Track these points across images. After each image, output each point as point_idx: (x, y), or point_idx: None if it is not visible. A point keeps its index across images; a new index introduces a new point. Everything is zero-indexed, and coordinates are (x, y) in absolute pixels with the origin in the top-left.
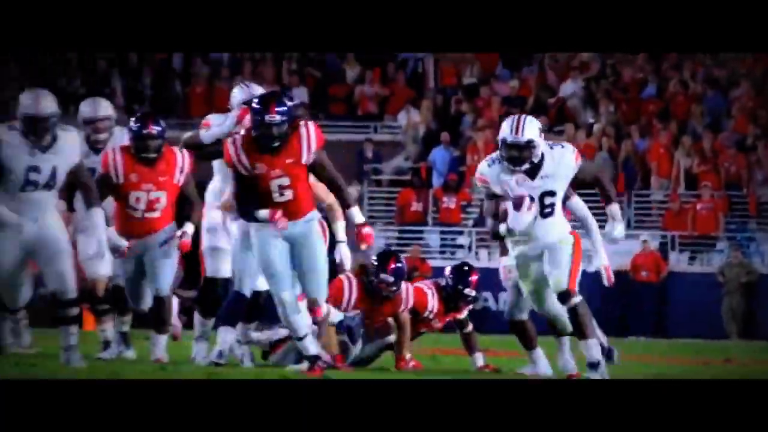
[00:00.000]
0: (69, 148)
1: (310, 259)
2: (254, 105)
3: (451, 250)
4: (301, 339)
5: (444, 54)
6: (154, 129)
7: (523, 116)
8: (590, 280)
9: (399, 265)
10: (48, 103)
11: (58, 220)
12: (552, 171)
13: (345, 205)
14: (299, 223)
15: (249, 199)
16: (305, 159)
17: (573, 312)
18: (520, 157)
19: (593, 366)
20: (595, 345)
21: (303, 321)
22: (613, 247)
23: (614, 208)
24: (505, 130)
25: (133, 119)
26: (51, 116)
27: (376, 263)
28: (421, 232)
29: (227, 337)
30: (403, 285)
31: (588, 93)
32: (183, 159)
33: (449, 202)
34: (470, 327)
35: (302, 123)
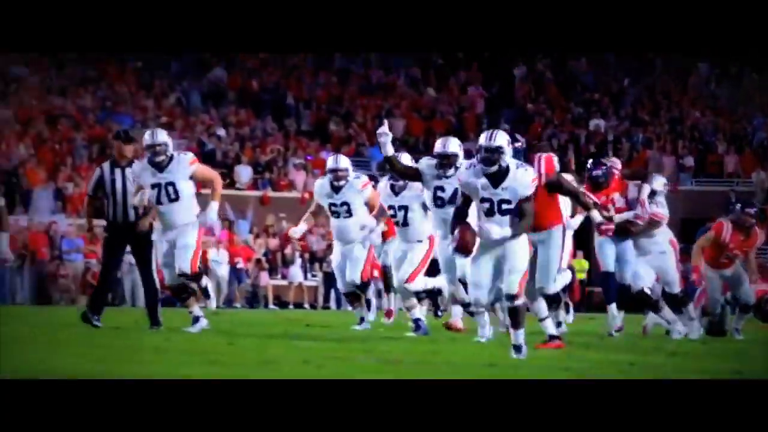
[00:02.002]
0: None
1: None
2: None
3: None
4: (542, 320)
5: None
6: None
7: (496, 130)
8: None
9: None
10: (452, 146)
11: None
12: (510, 185)
13: (585, 207)
14: (543, 233)
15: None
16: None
17: (512, 310)
18: (491, 159)
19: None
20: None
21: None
22: None
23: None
24: (482, 138)
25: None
26: (453, 155)
27: (738, 207)
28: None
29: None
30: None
31: None
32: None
33: None
34: None
35: (538, 154)
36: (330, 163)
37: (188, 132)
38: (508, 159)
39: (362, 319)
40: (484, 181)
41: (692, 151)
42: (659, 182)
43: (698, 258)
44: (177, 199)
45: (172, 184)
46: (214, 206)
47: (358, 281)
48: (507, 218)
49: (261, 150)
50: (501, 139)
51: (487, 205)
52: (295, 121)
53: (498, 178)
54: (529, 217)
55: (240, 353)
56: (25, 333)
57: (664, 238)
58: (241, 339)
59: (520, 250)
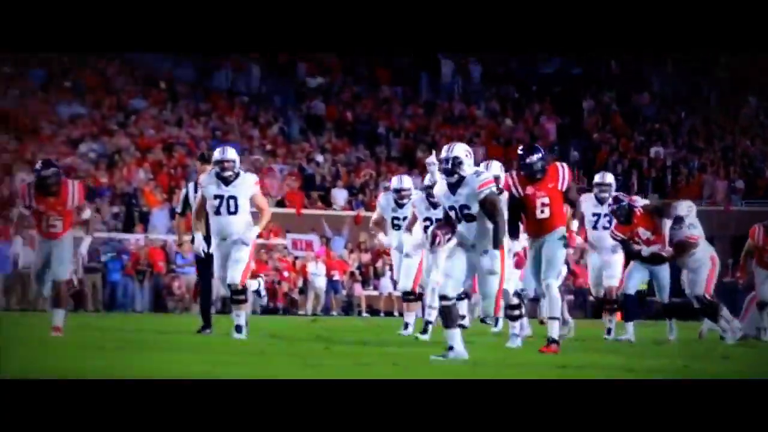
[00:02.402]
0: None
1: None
2: (520, 152)
3: None
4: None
5: None
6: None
7: (456, 142)
8: None
9: None
10: (495, 168)
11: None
12: (463, 191)
13: (571, 204)
14: (547, 236)
15: (516, 218)
16: (560, 186)
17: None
18: (449, 169)
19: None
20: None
21: None
22: None
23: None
24: (443, 151)
25: None
26: (496, 177)
27: None
28: None
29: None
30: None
31: None
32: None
33: None
34: None
35: (559, 163)
36: (395, 183)
37: (290, 158)
38: (467, 168)
39: (405, 325)
40: (446, 189)
41: (743, 175)
42: (683, 207)
43: (744, 257)
44: (235, 212)
45: (234, 198)
46: (255, 230)
47: (408, 288)
48: (474, 224)
49: (355, 174)
50: (458, 150)
51: (452, 213)
52: (386, 148)
53: (455, 186)
54: (499, 215)
55: (335, 357)
56: (144, 338)
57: (703, 254)
58: (336, 344)
59: (495, 269)
